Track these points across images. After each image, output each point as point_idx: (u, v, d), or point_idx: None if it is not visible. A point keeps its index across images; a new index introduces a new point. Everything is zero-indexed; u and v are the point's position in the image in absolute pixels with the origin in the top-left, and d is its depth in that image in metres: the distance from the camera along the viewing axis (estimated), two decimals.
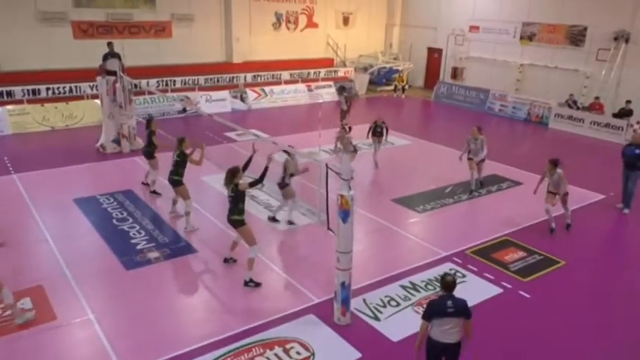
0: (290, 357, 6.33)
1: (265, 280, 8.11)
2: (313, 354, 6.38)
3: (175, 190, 9.81)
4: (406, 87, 24.95)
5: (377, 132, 13.85)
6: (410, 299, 7.64)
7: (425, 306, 5.31)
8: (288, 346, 6.50)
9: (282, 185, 9.81)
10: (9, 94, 17.22)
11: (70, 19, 18.87)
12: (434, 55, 26.48)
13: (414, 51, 26.97)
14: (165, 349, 6.40)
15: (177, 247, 9.02)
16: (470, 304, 6.12)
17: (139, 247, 8.99)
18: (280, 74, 23.13)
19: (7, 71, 17.91)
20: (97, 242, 9.17)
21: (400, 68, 25.74)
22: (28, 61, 18.22)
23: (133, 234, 9.47)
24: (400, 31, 28.13)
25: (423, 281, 8.11)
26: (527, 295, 7.93)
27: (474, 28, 24.14)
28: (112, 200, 10.93)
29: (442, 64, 25.94)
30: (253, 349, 6.42)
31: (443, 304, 5.17)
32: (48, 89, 17.86)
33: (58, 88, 18.03)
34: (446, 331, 5.20)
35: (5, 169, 12.67)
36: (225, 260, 8.56)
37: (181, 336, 6.73)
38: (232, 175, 7.80)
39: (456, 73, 25.09)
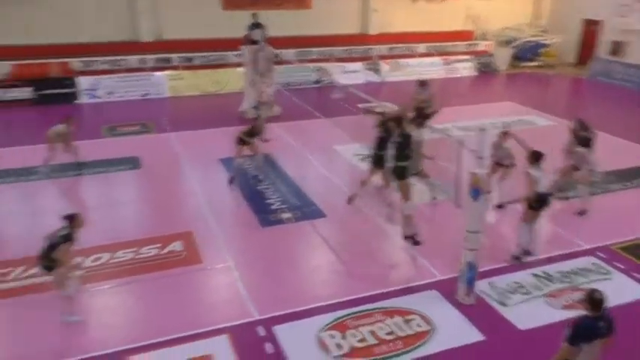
0: (410, 327, 6.43)
1: (390, 252, 8.26)
2: (434, 329, 6.41)
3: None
4: (554, 63, 22.91)
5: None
6: (542, 289, 7.25)
7: (570, 330, 4.45)
8: (408, 317, 6.60)
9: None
10: (167, 60, 19.14)
11: None
12: (590, 28, 23.88)
13: (567, 23, 24.56)
14: (293, 302, 6.87)
15: (308, 211, 9.49)
16: (613, 304, 5.57)
17: (273, 207, 9.63)
18: (416, 47, 22.63)
19: (168, 39, 19.84)
20: (238, 199, 10.01)
21: (549, 42, 23.67)
22: (186, 30, 19.96)
23: (269, 195, 10.15)
24: (552, 1, 25.75)
25: (559, 272, 7.63)
26: None
27: None
28: (251, 162, 11.76)
29: (599, 37, 23.32)
30: (374, 315, 6.63)
31: (595, 327, 4.43)
32: (200, 57, 19.50)
33: (208, 56, 19.60)
34: (594, 355, 4.53)
35: (164, 128, 14.24)
36: (407, 238, 8.23)
37: (307, 293, 7.19)
38: (399, 120, 7.77)
39: (616, 49, 22.39)
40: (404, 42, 22.65)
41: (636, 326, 6.57)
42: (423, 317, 6.60)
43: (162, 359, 5.85)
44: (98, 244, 8.05)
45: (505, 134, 9.45)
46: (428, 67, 21.98)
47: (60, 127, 10.66)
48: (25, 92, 16.72)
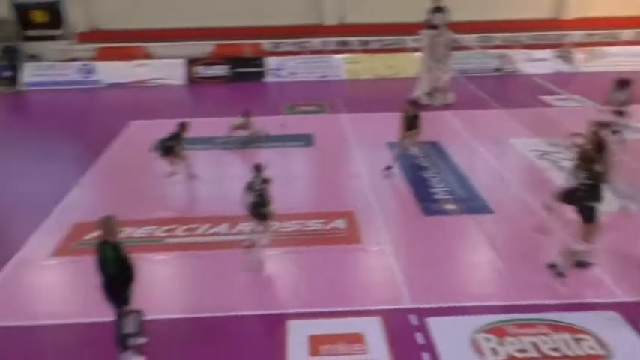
0: (580, 348, 5.77)
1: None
2: (610, 355, 5.66)
3: None
4: None
5: None
6: None
7: None
8: (579, 336, 5.92)
9: None
10: (346, 43, 19.74)
11: None
12: None
13: None
14: (448, 296, 6.67)
15: (474, 205, 9.06)
16: None
17: (437, 196, 9.40)
18: (621, 33, 19.82)
19: (350, 23, 20.42)
20: (402, 184, 9.99)
21: None
22: (368, 14, 20.24)
23: (434, 184, 9.93)
24: None
25: None
26: None
27: None
28: (418, 149, 11.60)
29: None
30: (538, 326, 6.09)
31: None
32: (378, 41, 19.70)
33: (385, 40, 19.70)
34: None
35: (338, 108, 14.80)
36: (552, 266, 6.88)
37: (464, 289, 6.89)
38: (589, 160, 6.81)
39: None
40: (606, 28, 19.97)
41: None
42: (598, 339, 5.87)
43: (315, 328, 6.12)
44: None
45: None
46: (633, 58, 19.12)
47: (240, 120, 11.98)
48: (223, 69, 18.75)
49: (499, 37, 19.81)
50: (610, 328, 6.05)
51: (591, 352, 5.72)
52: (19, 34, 19.81)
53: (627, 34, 19.81)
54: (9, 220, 8.94)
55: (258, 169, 7.32)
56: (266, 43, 19.60)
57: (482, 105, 14.14)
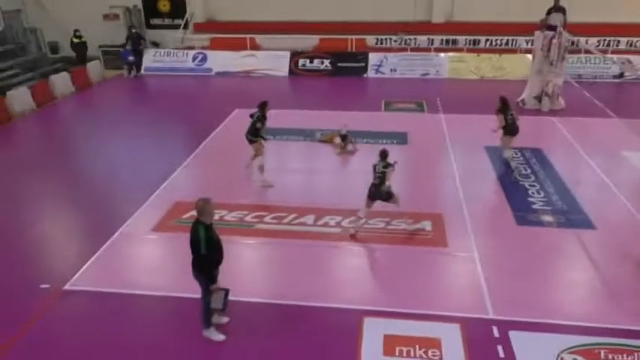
0: None
1: None
2: None
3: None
4: None
5: None
6: None
7: None
8: None
9: None
10: (453, 42, 19.20)
11: None
12: None
13: None
14: (535, 311, 6.34)
15: (575, 219, 8.49)
16: None
17: (534, 206, 8.93)
18: None
19: (457, 21, 19.85)
20: (497, 190, 9.60)
21: None
22: (478, 12, 19.54)
23: (532, 192, 9.43)
24: None
25: None
26: None
27: None
28: (519, 155, 11.07)
29: None
30: (636, 354, 5.63)
31: None
32: (487, 40, 18.95)
33: (495, 40, 18.89)
34: None
35: (436, 107, 14.49)
36: None
37: (553, 306, 6.51)
38: None
39: None
40: None
41: None
42: None
43: (391, 328, 6.11)
44: (356, 208, 8.83)
45: None
46: None
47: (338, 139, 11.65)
48: (325, 63, 19.09)
49: (624, 41, 18.20)
50: None
51: None
52: (144, 23, 21.66)
53: None
54: (120, 194, 9.79)
55: (383, 154, 8.00)
56: (370, 39, 19.63)
57: (595, 113, 13.15)
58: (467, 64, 18.30)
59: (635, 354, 5.64)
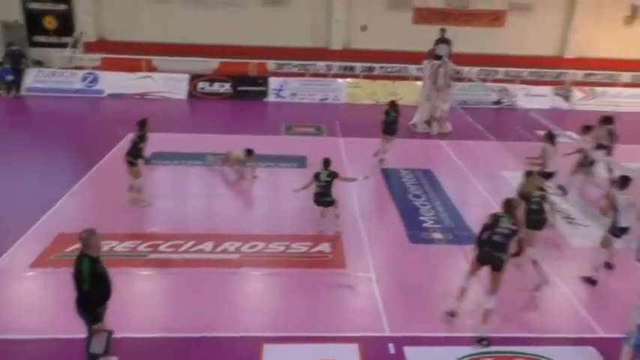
0: None
1: (546, 294, 7.50)
2: None
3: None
4: None
5: None
6: None
7: None
8: None
9: None
10: (351, 68, 20.01)
11: (414, 5, 20.43)
12: None
13: None
14: (428, 326, 6.65)
15: (462, 235, 9.05)
16: None
17: (425, 224, 9.42)
18: (620, 75, 20.10)
19: (353, 49, 20.77)
20: (392, 210, 10.01)
21: None
22: (372, 41, 20.61)
23: (423, 211, 9.95)
24: None
25: None
26: None
27: None
28: (412, 176, 11.67)
29: None
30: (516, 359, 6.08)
31: None
32: (381, 68, 19.98)
33: (389, 67, 19.97)
34: None
35: (334, 131, 14.91)
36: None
37: (444, 319, 6.83)
38: (511, 206, 6.42)
39: None
40: (605, 69, 20.27)
41: None
42: None
43: (292, 354, 6.10)
44: (258, 233, 8.77)
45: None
46: (630, 99, 19.35)
47: (238, 153, 11.27)
48: (225, 87, 18.94)
49: (501, 71, 20.08)
50: None
51: None
52: (26, 39, 20.09)
53: (625, 76, 20.05)
54: None
55: (326, 163, 8.61)
56: (271, 63, 19.85)
57: (477, 136, 14.27)
58: (363, 90, 19.10)
59: (515, 359, 6.07)
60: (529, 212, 7.22)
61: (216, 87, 18.94)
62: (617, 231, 7.52)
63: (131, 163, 9.35)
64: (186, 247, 8.27)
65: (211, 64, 19.53)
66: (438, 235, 9.00)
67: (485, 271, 6.58)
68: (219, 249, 8.25)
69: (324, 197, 8.66)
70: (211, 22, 20.19)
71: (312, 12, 20.57)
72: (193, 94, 18.76)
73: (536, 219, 7.55)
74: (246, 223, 9.22)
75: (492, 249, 6.32)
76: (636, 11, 20.84)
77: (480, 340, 6.36)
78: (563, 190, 10.89)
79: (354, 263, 8.05)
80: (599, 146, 10.95)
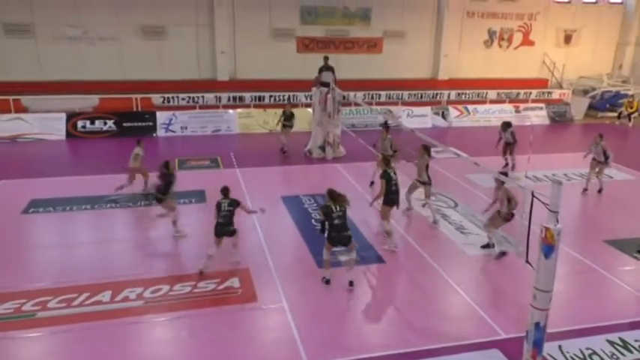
0: None
1: (449, 304, 7.93)
2: None
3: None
4: (635, 114, 21.78)
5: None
6: (618, 358, 6.62)
7: None
8: None
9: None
10: (240, 99, 19.97)
11: (295, 35, 21.03)
12: None
13: None
14: (345, 350, 6.66)
15: (367, 255, 9.31)
16: None
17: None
18: (486, 93, 22.28)
19: (241, 79, 20.76)
20: (296, 238, 10.01)
21: (630, 93, 22.56)
22: (259, 71, 20.82)
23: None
24: (635, 50, 24.66)
25: (637, 341, 6.96)
26: None
27: None
28: (312, 201, 11.81)
29: None
30: None
31: None
32: (271, 96, 20.18)
33: (278, 96, 20.23)
34: None
35: (230, 162, 14.68)
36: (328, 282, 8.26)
37: (361, 341, 6.93)
38: (339, 196, 8.34)
39: None
40: (473, 88, 22.37)
41: None
42: None
43: None
44: (158, 276, 8.27)
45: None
46: (497, 114, 21.49)
47: (136, 149, 11.62)
48: (109, 124, 17.89)
49: (384, 94, 21.27)
50: None
51: None
52: None
53: (491, 93, 22.26)
54: None
55: (224, 191, 8.50)
56: (157, 97, 19.17)
57: (370, 157, 14.83)
58: (255, 119, 19.13)
59: None
60: (389, 192, 9.28)
61: (99, 125, 17.87)
62: (510, 216, 9.14)
63: None
64: (80, 299, 7.55)
65: (90, 100, 18.45)
66: (344, 258, 9.12)
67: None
68: (118, 298, 7.65)
69: (226, 227, 8.47)
70: (88, 57, 19.18)
71: (195, 43, 20.32)
72: (73, 134, 17.51)
73: (393, 198, 9.37)
74: (146, 267, 8.66)
75: (339, 231, 8.04)
76: (493, 36, 23.33)
77: (350, 283, 8.06)
78: (453, 201, 11.72)
79: (265, 295, 7.90)
80: (508, 145, 14.61)
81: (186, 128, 18.41)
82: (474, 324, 7.38)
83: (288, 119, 15.84)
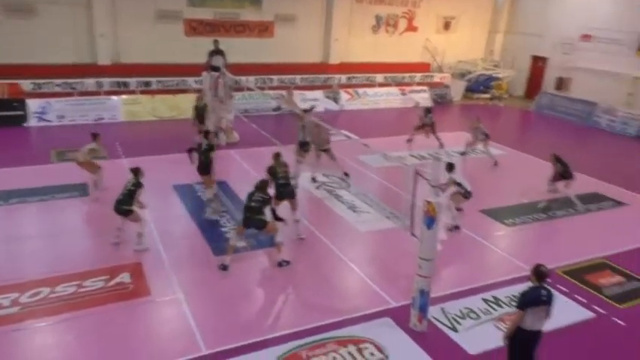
0: (363, 357, 6.37)
1: (344, 279, 8.27)
2: (387, 357, 6.37)
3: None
4: (504, 96, 23.93)
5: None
6: (491, 313, 7.38)
7: (519, 297, 5.52)
8: (362, 346, 6.54)
9: None
10: (124, 84, 18.83)
11: (183, 17, 20.21)
12: (538, 64, 25.13)
13: (517, 59, 25.76)
14: (244, 334, 6.70)
15: (264, 239, 9.34)
16: (558, 325, 6.36)
17: (228, 235, 9.44)
18: (375, 77, 23.15)
19: (125, 63, 19.56)
20: (191, 227, 9.78)
21: (500, 76, 24.73)
22: (144, 54, 19.73)
23: (223, 222, 9.97)
24: (504, 38, 27.01)
25: (507, 297, 7.78)
26: (622, 323, 7.34)
27: (585, 37, 22.60)
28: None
29: (546, 73, 24.56)
30: (328, 345, 6.54)
31: (538, 294, 5.44)
32: (158, 82, 19.27)
33: (167, 81, 19.38)
34: (538, 319, 5.49)
35: (116, 153, 13.87)
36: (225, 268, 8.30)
37: (260, 323, 7.01)
38: (263, 184, 8.51)
39: (561, 84, 23.61)
40: (363, 72, 23.13)
41: (583, 346, 6.73)
42: (376, 346, 6.55)
43: None
44: (37, 278, 7.67)
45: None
46: (385, 97, 22.48)
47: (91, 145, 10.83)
48: None
49: (276, 79, 21.25)
50: (385, 333, 6.84)
51: (372, 358, 6.35)
52: None
53: (379, 77, 23.20)
54: None
55: (135, 171, 8.72)
56: (26, 83, 17.43)
57: (264, 143, 14.85)
58: (143, 106, 18.19)
59: (328, 344, 6.55)
60: (277, 186, 9.28)
61: None
62: (468, 195, 9.83)
63: None
64: None
65: None
66: (241, 244, 9.11)
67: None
68: (23, 299, 7.04)
69: (121, 205, 8.51)
70: None
71: (71, 24, 18.66)
72: None
73: (283, 191, 9.34)
74: (21, 270, 7.96)
75: (252, 213, 8.20)
76: (380, 21, 24.24)
77: (280, 263, 8.41)
78: (345, 181, 12.14)
79: (159, 288, 7.66)
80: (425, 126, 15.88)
81: (63, 117, 16.99)
82: (367, 296, 7.78)
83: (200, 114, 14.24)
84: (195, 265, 8.49)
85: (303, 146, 11.83)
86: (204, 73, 15.39)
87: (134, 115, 17.84)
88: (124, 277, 7.83)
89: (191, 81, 19.21)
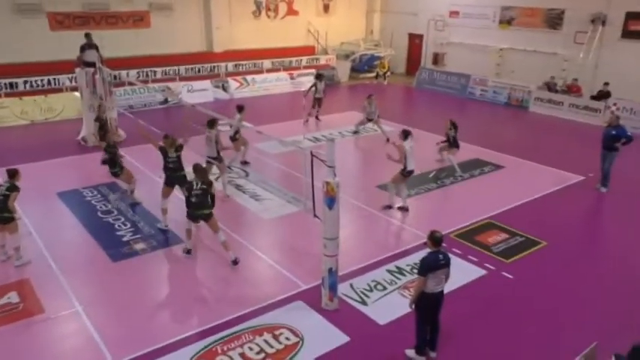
0: (280, 342, 6.42)
1: (253, 268, 8.23)
2: (302, 339, 6.49)
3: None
4: (388, 74, 25.02)
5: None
6: (396, 283, 7.78)
7: (419, 264, 5.88)
8: (277, 332, 6.59)
9: None
10: None
11: (45, 11, 18.45)
12: (415, 42, 26.54)
13: (395, 37, 26.98)
14: (154, 338, 6.44)
15: (164, 238, 9.02)
16: (455, 286, 6.90)
17: (124, 238, 8.97)
18: (262, 63, 23.00)
19: None
20: (83, 235, 9.13)
21: (382, 55, 25.77)
22: (5, 54, 17.81)
23: (119, 226, 9.44)
24: (381, 18, 28.10)
25: (408, 265, 8.26)
26: (511, 276, 8.12)
27: (453, 13, 24.23)
28: (95, 193, 10.87)
29: (423, 50, 26.04)
30: (243, 336, 6.50)
31: (436, 258, 5.82)
32: (26, 82, 17.50)
33: (36, 81, 17.67)
34: (439, 282, 5.89)
35: None
36: (188, 252, 8.51)
37: (170, 325, 6.79)
38: (203, 171, 8.36)
39: (437, 59, 25.19)
40: (249, 59, 22.86)
41: (479, 301, 7.36)
42: (291, 330, 6.64)
43: None
44: None
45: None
46: (275, 83, 22.46)
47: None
48: None
49: (160, 71, 20.29)
50: (298, 316, 6.94)
51: (288, 342, 6.43)
52: None
53: (266, 63, 23.09)
54: None
55: (12, 173, 8.05)
56: None
57: (155, 137, 14.15)
58: (10, 110, 16.47)
59: (243, 335, 6.51)
60: (167, 170, 9.28)
61: None
62: (407, 173, 10.06)
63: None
64: None
65: None
66: (140, 246, 8.70)
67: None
68: None
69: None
70: None
71: None
72: None
73: (173, 176, 9.29)
74: None
75: (196, 209, 8.02)
76: (260, 6, 24.02)
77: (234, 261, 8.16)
78: (244, 170, 12.02)
79: (54, 303, 7.09)
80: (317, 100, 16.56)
81: None
82: (278, 283, 7.82)
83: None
84: (91, 274, 7.96)
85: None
86: (78, 70, 14.26)
87: (1, 121, 16.11)
88: (11, 297, 7.16)
89: (64, 79, 17.73)
